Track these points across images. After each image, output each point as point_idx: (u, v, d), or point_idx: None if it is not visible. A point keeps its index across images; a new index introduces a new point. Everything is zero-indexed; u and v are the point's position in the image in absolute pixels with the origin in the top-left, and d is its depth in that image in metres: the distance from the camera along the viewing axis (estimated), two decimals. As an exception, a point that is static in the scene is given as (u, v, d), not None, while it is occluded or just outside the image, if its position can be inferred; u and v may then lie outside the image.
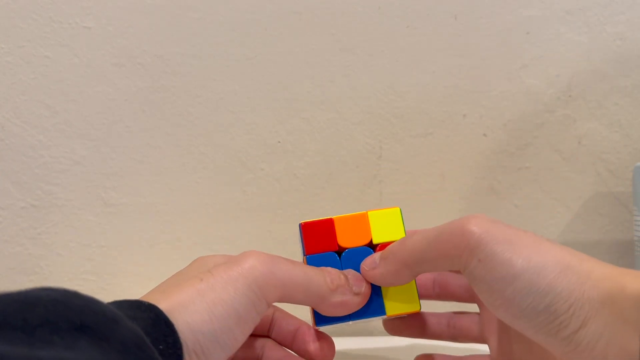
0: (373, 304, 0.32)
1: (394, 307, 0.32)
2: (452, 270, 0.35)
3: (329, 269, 0.31)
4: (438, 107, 0.49)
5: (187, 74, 0.49)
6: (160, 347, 0.24)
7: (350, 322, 0.32)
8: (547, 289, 0.25)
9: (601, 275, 0.24)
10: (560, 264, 0.25)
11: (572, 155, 0.49)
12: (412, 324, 0.35)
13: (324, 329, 0.32)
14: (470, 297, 0.35)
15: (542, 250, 0.26)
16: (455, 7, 0.48)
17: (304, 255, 0.33)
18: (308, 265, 0.31)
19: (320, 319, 0.32)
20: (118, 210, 0.51)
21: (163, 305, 0.26)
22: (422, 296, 0.34)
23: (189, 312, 0.26)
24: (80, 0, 0.49)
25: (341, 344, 0.45)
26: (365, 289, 0.31)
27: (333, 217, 0.33)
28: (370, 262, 0.31)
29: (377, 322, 0.41)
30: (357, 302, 0.31)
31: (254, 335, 0.35)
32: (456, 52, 0.48)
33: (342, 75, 0.49)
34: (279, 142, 0.50)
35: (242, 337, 0.28)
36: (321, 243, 0.33)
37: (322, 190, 0.50)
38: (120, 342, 0.21)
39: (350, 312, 0.31)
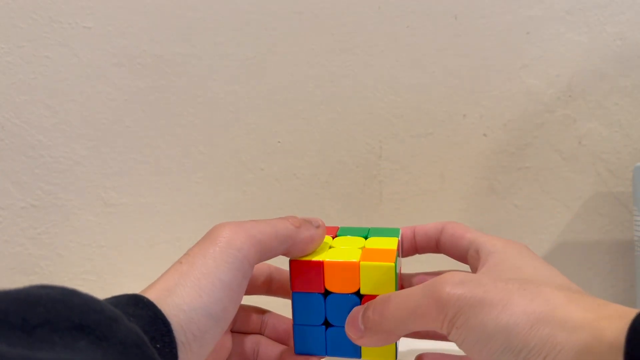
0: (351, 345, 0.32)
1: (369, 354, 0.33)
2: None
3: (287, 216, 0.33)
4: (438, 107, 0.49)
5: (187, 74, 0.49)
6: (158, 345, 0.24)
7: (327, 356, 0.33)
8: (520, 347, 0.25)
9: (577, 324, 0.24)
10: (531, 318, 0.25)
11: (572, 155, 0.49)
12: None
13: (302, 357, 0.34)
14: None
15: (512, 305, 0.25)
16: (455, 7, 0.48)
17: (290, 290, 0.33)
18: (269, 219, 0.32)
19: (300, 347, 0.33)
20: (118, 210, 0.51)
21: (152, 295, 0.26)
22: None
23: (177, 294, 0.26)
24: (80, 0, 0.49)
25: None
26: (322, 222, 0.33)
27: (324, 260, 0.32)
28: (355, 330, 0.31)
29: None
30: (321, 233, 0.33)
31: (248, 334, 0.36)
32: (456, 52, 0.48)
33: (342, 75, 0.49)
34: (279, 142, 0.50)
35: (232, 306, 0.28)
36: (309, 282, 0.33)
37: (322, 190, 0.50)
38: (120, 342, 0.21)
39: (318, 246, 0.33)
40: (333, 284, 0.32)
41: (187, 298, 0.26)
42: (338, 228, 0.37)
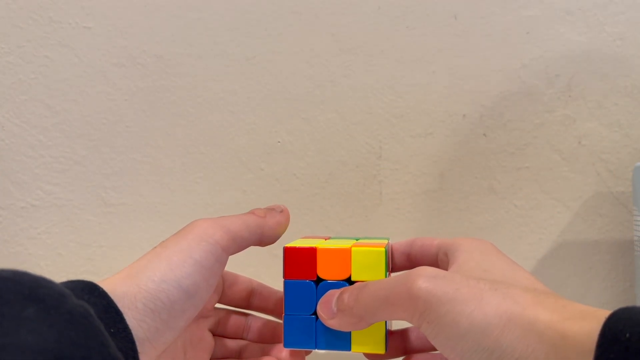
0: (340, 337, 0.33)
1: (359, 344, 0.33)
2: None
3: (251, 210, 0.35)
4: (438, 107, 0.49)
5: (187, 74, 0.49)
6: (112, 330, 0.24)
7: (317, 350, 0.33)
8: (492, 347, 0.25)
9: (544, 324, 0.24)
10: (503, 318, 0.25)
11: (572, 155, 0.49)
12: (392, 344, 0.35)
13: (290, 350, 0.35)
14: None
15: (483, 304, 0.26)
16: (455, 7, 0.48)
17: (283, 278, 0.34)
18: (238, 214, 0.34)
19: (288, 341, 0.33)
20: (118, 210, 0.51)
21: (130, 272, 0.28)
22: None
23: (150, 269, 0.28)
24: (80, 0, 0.49)
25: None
26: (284, 207, 0.36)
27: (317, 246, 0.33)
28: (327, 310, 0.32)
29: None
30: (286, 216, 0.35)
31: (231, 338, 0.37)
32: (456, 52, 0.48)
33: (342, 75, 0.49)
34: (279, 142, 0.50)
35: (204, 284, 0.30)
36: (301, 270, 0.33)
37: (322, 190, 0.50)
38: (68, 312, 0.22)
39: (286, 227, 0.35)
40: (325, 271, 0.33)
41: (158, 271, 0.28)
42: (329, 237, 0.38)
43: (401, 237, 0.50)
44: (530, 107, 0.49)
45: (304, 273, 0.33)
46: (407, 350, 0.35)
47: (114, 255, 0.51)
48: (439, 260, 0.34)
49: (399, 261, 0.37)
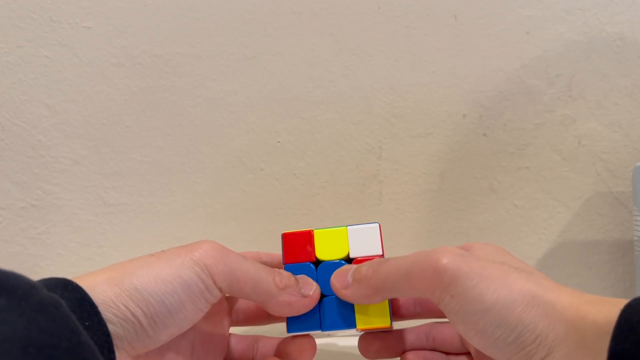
0: (344, 316, 0.33)
1: (364, 321, 0.33)
2: None
3: (280, 270, 0.32)
4: (438, 107, 0.49)
5: (187, 74, 0.49)
6: (87, 323, 0.24)
7: (322, 332, 0.33)
8: (515, 322, 0.26)
9: (565, 305, 0.26)
10: (527, 296, 0.26)
11: (572, 155, 0.49)
12: (390, 344, 0.35)
13: (296, 335, 0.34)
14: None
15: (509, 282, 0.27)
16: (455, 7, 0.48)
17: (283, 264, 0.34)
18: (259, 264, 0.31)
19: (292, 325, 0.33)
20: (118, 210, 0.51)
21: (114, 274, 0.27)
22: (403, 315, 0.35)
23: (137, 276, 0.27)
24: (80, 0, 0.49)
25: (344, 343, 0.45)
26: (314, 292, 0.32)
27: (314, 229, 0.34)
28: (341, 280, 0.32)
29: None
30: (304, 304, 0.32)
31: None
32: (456, 52, 0.48)
33: (342, 75, 0.49)
34: (279, 142, 0.50)
35: (190, 305, 0.28)
36: (300, 254, 0.34)
37: (322, 190, 0.50)
38: (38, 302, 0.22)
39: (297, 314, 0.32)
40: (323, 252, 0.34)
41: (145, 281, 0.27)
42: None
43: (401, 237, 0.50)
44: (530, 107, 0.49)
45: (303, 256, 0.34)
46: (405, 351, 0.35)
47: (114, 255, 0.51)
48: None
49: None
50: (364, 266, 0.31)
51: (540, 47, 0.48)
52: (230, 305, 0.37)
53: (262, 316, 0.37)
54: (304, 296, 0.32)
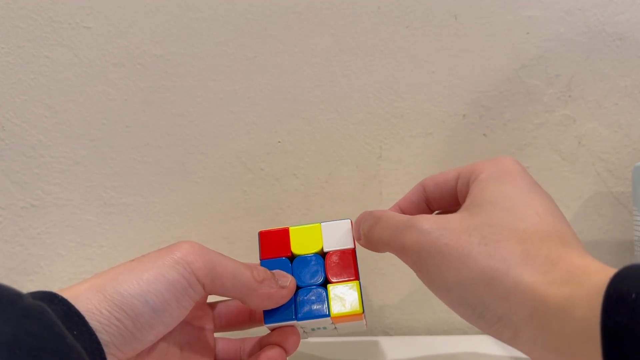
0: (319, 304, 0.34)
1: (337, 310, 0.34)
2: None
3: (256, 265, 0.34)
4: (438, 107, 0.49)
5: (187, 74, 0.49)
6: (75, 332, 0.25)
7: (297, 322, 0.34)
8: (476, 302, 0.26)
9: (527, 287, 0.25)
10: (487, 276, 0.26)
11: (572, 155, 0.49)
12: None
13: (272, 326, 0.34)
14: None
15: (469, 261, 0.26)
16: (455, 7, 0.48)
17: (260, 259, 0.35)
18: (237, 260, 0.32)
19: (268, 317, 0.34)
20: (118, 210, 0.51)
21: (96, 282, 0.28)
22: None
23: (119, 281, 0.28)
24: (80, 0, 0.49)
25: (344, 343, 0.45)
26: (290, 283, 0.34)
27: (289, 227, 0.36)
28: (357, 232, 0.35)
29: (389, 324, 0.41)
30: (283, 295, 0.33)
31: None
32: (456, 52, 0.48)
33: (342, 75, 0.49)
34: (279, 142, 0.50)
35: (175, 304, 0.29)
36: (276, 250, 0.36)
37: (322, 190, 0.50)
38: (24, 308, 0.22)
39: (277, 305, 0.33)
40: (298, 247, 0.36)
41: (125, 284, 0.28)
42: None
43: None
44: (530, 107, 0.49)
45: (279, 252, 0.36)
46: None
47: (114, 255, 0.51)
48: (458, 192, 0.34)
49: (418, 210, 0.37)
50: (364, 222, 0.33)
51: (540, 47, 0.48)
52: (212, 309, 0.37)
53: (244, 320, 0.37)
54: (282, 287, 0.33)
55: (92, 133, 0.50)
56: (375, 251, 0.33)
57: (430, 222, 0.29)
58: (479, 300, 0.26)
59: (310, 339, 0.42)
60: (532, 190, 0.29)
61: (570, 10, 0.48)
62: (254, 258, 0.37)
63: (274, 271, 0.34)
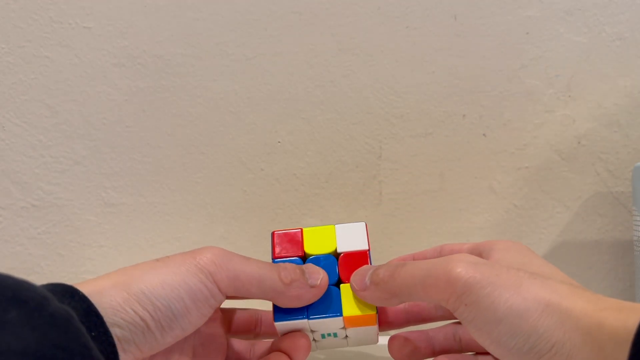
0: (331, 304, 0.33)
1: (350, 308, 0.33)
2: None
3: (285, 264, 0.33)
4: (438, 107, 0.49)
5: (187, 74, 0.49)
6: (93, 333, 0.25)
7: (308, 322, 0.33)
8: (530, 331, 0.26)
9: (580, 313, 0.25)
10: (541, 304, 0.26)
11: (572, 155, 0.49)
12: (421, 346, 0.35)
13: (282, 325, 0.34)
14: (443, 316, 0.36)
15: (522, 290, 0.26)
16: (455, 7, 0.48)
17: (272, 259, 0.35)
18: (264, 262, 0.32)
19: (279, 315, 0.33)
20: (118, 210, 0.51)
21: (121, 279, 0.28)
22: (426, 319, 0.36)
23: (143, 281, 0.28)
24: (80, 0, 0.49)
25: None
26: (321, 281, 0.32)
27: (303, 228, 0.36)
28: (360, 281, 0.32)
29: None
30: (313, 294, 0.32)
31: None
32: (456, 52, 0.48)
33: (342, 75, 0.49)
34: (279, 142, 0.50)
35: (195, 311, 0.29)
36: (289, 250, 0.35)
37: (322, 190, 0.50)
38: (50, 314, 0.22)
39: (308, 304, 0.33)
40: (312, 247, 0.35)
41: (151, 286, 0.28)
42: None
43: (401, 237, 0.50)
44: (530, 107, 0.49)
45: (292, 251, 0.35)
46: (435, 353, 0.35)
47: (114, 255, 0.51)
48: None
49: None
50: (382, 269, 0.31)
51: (540, 47, 0.48)
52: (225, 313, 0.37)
53: (254, 329, 0.37)
54: (312, 286, 0.32)
55: (92, 133, 0.50)
56: (386, 302, 0.31)
57: (474, 257, 0.29)
58: (532, 329, 0.25)
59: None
60: (549, 264, 0.31)
61: (570, 11, 0.48)
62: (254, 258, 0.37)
63: (305, 266, 0.33)
